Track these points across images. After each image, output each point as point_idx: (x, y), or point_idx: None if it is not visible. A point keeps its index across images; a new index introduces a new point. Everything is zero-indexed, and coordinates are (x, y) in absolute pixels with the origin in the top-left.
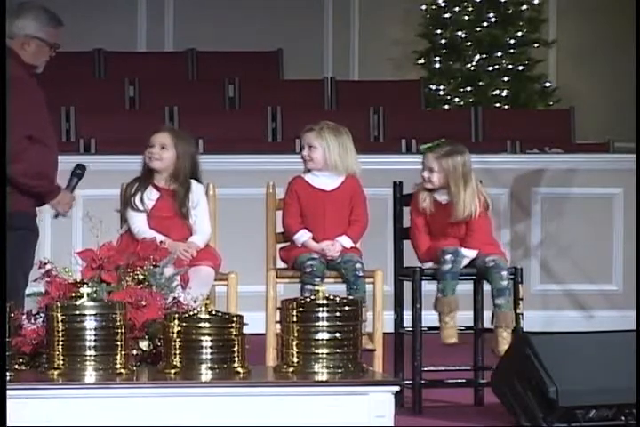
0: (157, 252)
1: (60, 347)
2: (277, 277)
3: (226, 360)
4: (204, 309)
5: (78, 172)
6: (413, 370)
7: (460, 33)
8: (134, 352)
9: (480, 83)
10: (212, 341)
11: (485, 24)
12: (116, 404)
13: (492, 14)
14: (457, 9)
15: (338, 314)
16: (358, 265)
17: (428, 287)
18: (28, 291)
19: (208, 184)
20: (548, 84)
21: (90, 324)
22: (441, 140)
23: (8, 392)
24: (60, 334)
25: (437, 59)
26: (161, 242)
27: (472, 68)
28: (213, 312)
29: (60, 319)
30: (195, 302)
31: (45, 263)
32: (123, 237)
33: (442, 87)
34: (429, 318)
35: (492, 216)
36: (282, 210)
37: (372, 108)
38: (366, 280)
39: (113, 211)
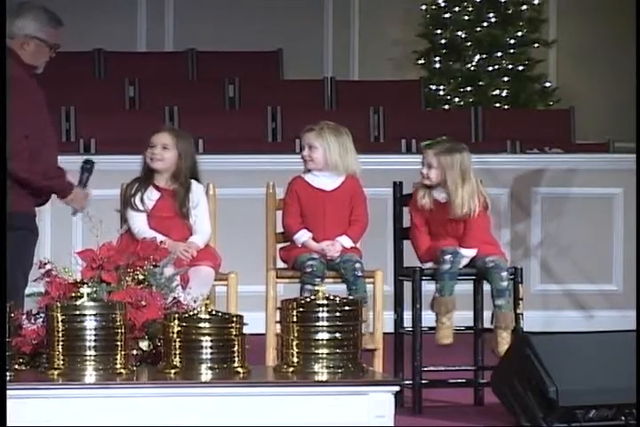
0: (157, 252)
1: (60, 347)
2: (277, 277)
3: (226, 360)
4: (203, 309)
5: (87, 166)
6: (413, 370)
7: (460, 33)
8: (134, 352)
9: (480, 83)
10: (212, 341)
11: (485, 24)
12: (116, 404)
13: (492, 14)
14: (457, 9)
15: (338, 314)
16: (358, 265)
17: (428, 287)
18: (27, 291)
19: (208, 184)
20: (548, 84)
21: (90, 324)
22: (442, 138)
23: (8, 392)
24: (60, 334)
25: (437, 59)
26: (161, 242)
27: (472, 68)
28: (213, 312)
29: (60, 319)
30: (195, 302)
31: (45, 263)
32: (123, 237)
33: (442, 87)
34: (429, 318)
35: (491, 216)
36: (282, 210)
37: (372, 108)
38: (366, 280)
39: (113, 211)
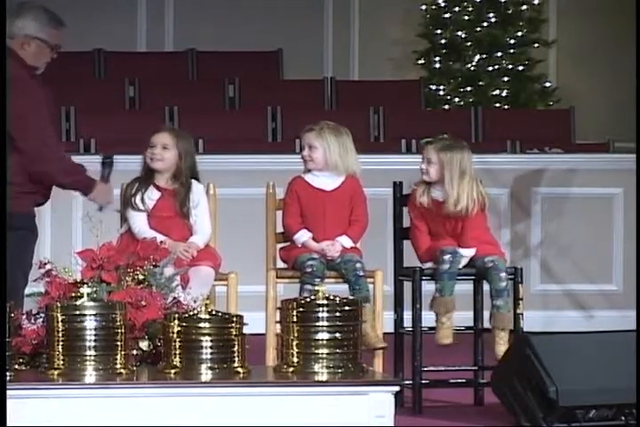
0: (157, 252)
1: (60, 347)
2: (277, 277)
3: (226, 360)
4: (203, 309)
5: (107, 161)
6: (413, 370)
7: (460, 33)
8: (134, 352)
9: (480, 83)
10: (212, 341)
11: (485, 24)
12: (116, 404)
13: (492, 14)
14: (457, 9)
15: (338, 314)
16: (358, 265)
17: (428, 287)
18: (27, 291)
19: (208, 184)
20: (548, 84)
21: (90, 324)
22: (443, 136)
23: (8, 392)
24: (60, 334)
25: (437, 59)
26: (161, 242)
27: (472, 68)
28: (213, 312)
29: (60, 319)
30: (195, 302)
31: (45, 263)
32: (123, 237)
33: (442, 87)
34: (429, 318)
35: (490, 216)
36: (282, 210)
37: (372, 108)
38: (367, 280)
39: (113, 211)
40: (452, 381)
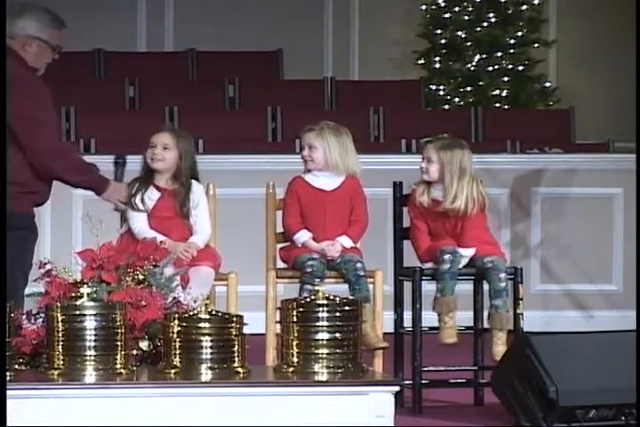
0: (157, 252)
1: (60, 347)
2: (277, 277)
3: (226, 360)
4: (203, 309)
5: (120, 161)
6: (413, 370)
7: (460, 33)
8: (134, 352)
9: (480, 83)
10: (212, 341)
11: (485, 24)
12: (116, 404)
13: (492, 14)
14: (457, 9)
15: (338, 314)
16: (359, 265)
17: (428, 287)
18: (27, 291)
19: (208, 184)
20: (548, 84)
21: (90, 324)
22: (443, 135)
23: (8, 392)
24: (60, 334)
25: (437, 59)
26: (161, 242)
27: (472, 68)
28: (213, 312)
29: (60, 319)
30: (195, 302)
31: (45, 263)
32: (123, 237)
33: (442, 87)
34: (429, 318)
35: (490, 216)
36: (282, 210)
37: (372, 108)
38: (367, 280)
39: (113, 211)
40: (452, 381)
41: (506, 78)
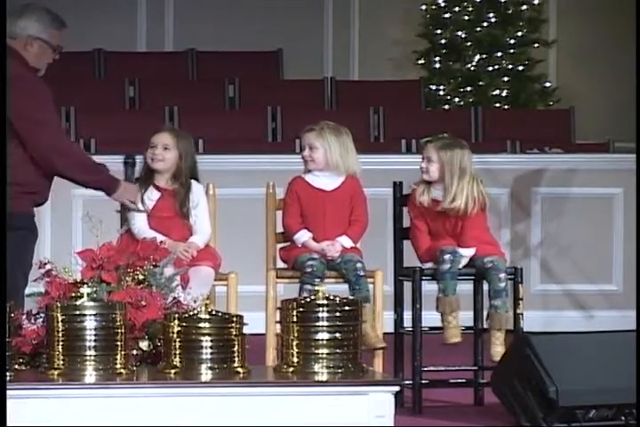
0: (157, 252)
1: (60, 347)
2: (277, 277)
3: (226, 360)
4: (204, 309)
5: (129, 161)
6: (413, 370)
7: (460, 33)
8: (134, 352)
9: (480, 83)
10: (212, 341)
11: (485, 24)
12: (116, 404)
13: (492, 14)
14: (457, 9)
15: (338, 314)
16: (359, 265)
17: (428, 287)
18: (27, 291)
19: (208, 184)
20: (548, 84)
21: (90, 324)
22: (443, 135)
23: (8, 392)
24: (60, 334)
25: (437, 59)
26: (161, 242)
27: (472, 68)
28: (213, 312)
29: (60, 319)
30: (195, 302)
31: (45, 263)
32: (123, 237)
33: (442, 87)
34: (429, 317)
35: (490, 216)
36: (282, 210)
37: (372, 108)
38: (367, 280)
39: (113, 211)
40: (452, 381)
41: (506, 78)
